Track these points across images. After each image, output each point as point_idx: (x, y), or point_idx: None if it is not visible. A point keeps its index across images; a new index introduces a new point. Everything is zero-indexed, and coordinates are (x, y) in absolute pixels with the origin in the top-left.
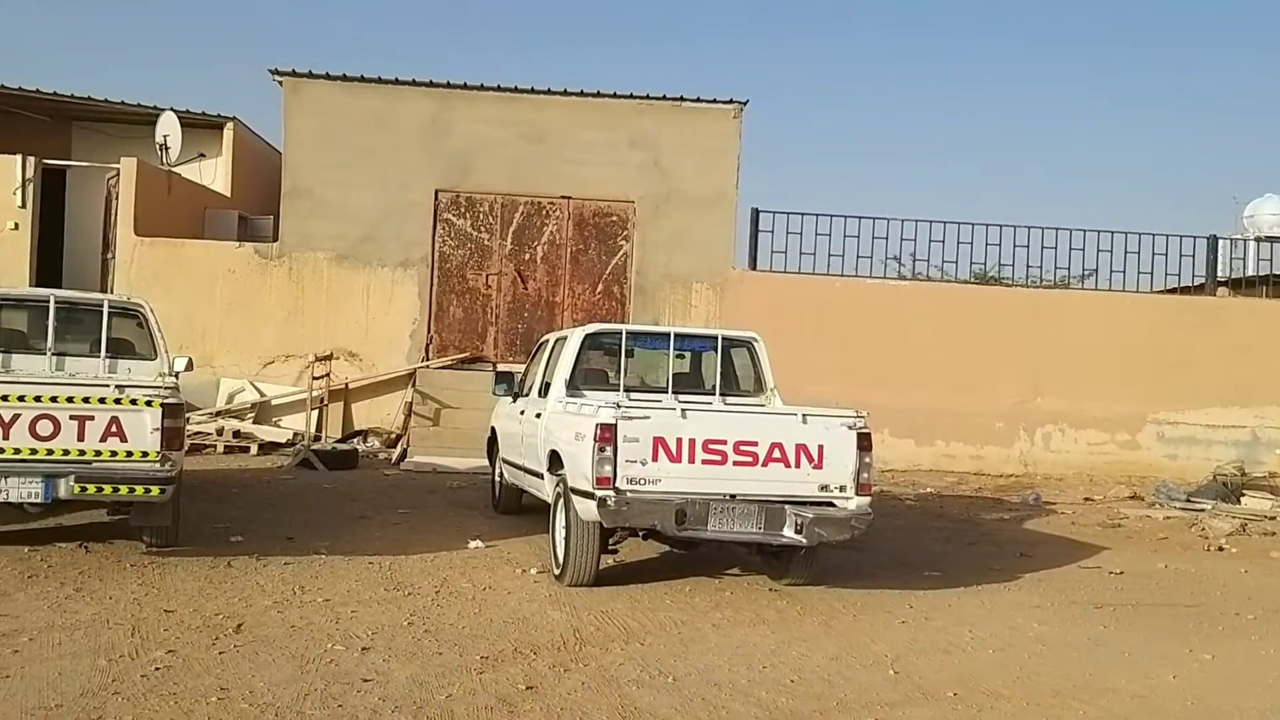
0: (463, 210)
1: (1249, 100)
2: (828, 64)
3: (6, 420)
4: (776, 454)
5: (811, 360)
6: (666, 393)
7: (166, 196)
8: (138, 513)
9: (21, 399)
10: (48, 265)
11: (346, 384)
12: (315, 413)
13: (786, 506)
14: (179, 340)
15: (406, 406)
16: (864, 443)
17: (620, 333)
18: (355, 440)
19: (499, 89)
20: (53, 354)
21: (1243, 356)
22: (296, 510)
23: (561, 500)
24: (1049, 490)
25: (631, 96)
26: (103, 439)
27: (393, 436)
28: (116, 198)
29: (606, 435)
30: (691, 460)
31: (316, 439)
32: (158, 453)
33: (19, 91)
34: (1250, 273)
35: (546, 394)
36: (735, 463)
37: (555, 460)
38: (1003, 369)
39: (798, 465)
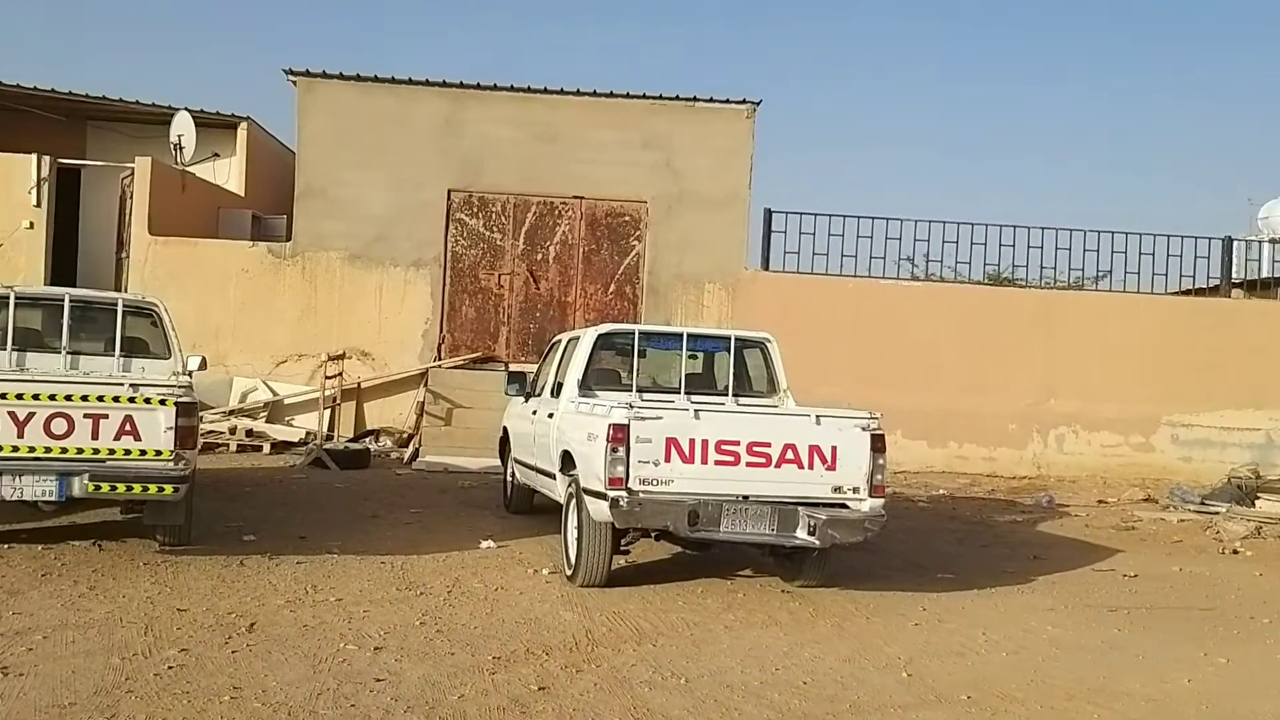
0: (475, 210)
1: (1266, 100)
2: (831, 52)
3: (21, 418)
4: (790, 455)
5: (824, 361)
6: (679, 393)
7: (181, 196)
8: (151, 511)
9: (36, 397)
10: (63, 264)
11: (359, 383)
12: (328, 412)
13: (799, 508)
14: (192, 339)
15: (418, 406)
16: (877, 444)
17: (633, 333)
18: (367, 440)
19: (512, 89)
20: (67, 353)
21: (1257, 359)
22: (309, 509)
23: (574, 501)
24: (1062, 492)
25: (644, 97)
26: (117, 438)
27: (405, 436)
28: (131, 197)
29: (619, 435)
30: (704, 461)
31: (329, 438)
32: (171, 451)
33: (34, 91)
34: (1265, 274)
35: (559, 394)
36: (748, 464)
37: (567, 460)
38: (1016, 370)
39: (811, 467)
